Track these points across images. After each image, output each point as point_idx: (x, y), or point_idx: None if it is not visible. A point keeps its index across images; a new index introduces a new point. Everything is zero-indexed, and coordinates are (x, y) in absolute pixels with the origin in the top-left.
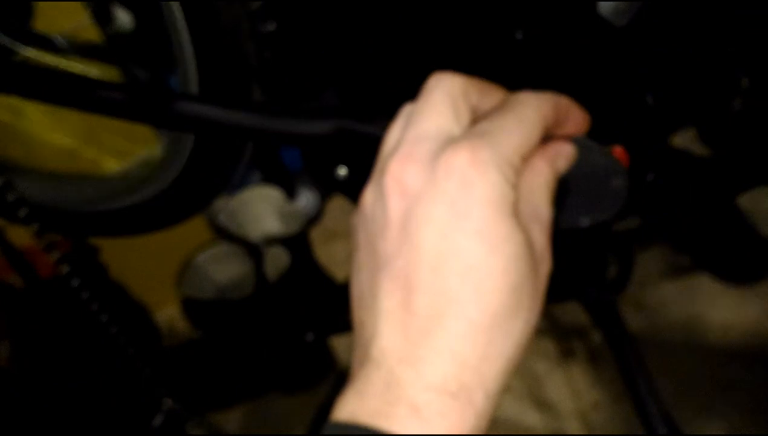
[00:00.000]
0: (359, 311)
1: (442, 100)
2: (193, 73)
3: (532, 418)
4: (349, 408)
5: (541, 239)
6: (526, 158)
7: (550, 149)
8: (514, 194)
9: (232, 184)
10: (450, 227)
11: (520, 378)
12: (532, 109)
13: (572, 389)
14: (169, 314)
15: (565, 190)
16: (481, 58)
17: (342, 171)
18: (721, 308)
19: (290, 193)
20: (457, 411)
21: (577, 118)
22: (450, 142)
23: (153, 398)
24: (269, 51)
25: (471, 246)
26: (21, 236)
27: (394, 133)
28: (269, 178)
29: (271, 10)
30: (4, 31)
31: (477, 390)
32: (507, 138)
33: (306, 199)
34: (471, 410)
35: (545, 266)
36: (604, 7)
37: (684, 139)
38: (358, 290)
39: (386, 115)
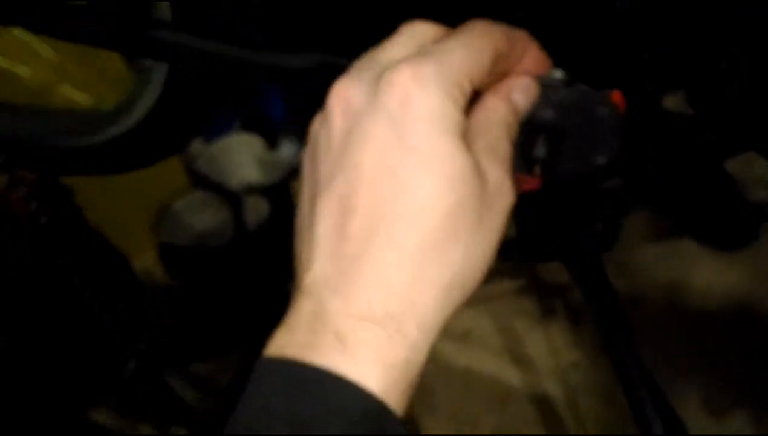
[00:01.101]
0: (298, 243)
1: (406, 39)
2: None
3: (509, 374)
4: (278, 342)
5: (497, 171)
6: (478, 87)
7: (504, 84)
8: (460, 115)
9: (211, 130)
10: (388, 145)
11: (499, 334)
12: (480, 34)
13: (551, 347)
14: (145, 261)
15: (562, 136)
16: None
17: None
18: (702, 272)
19: (272, 142)
20: (384, 340)
21: (535, 54)
22: (395, 62)
23: (130, 345)
24: None
25: (407, 163)
26: None
27: None
28: (249, 126)
29: None
30: None
31: (408, 320)
32: (451, 57)
33: (288, 149)
34: (401, 341)
35: (503, 200)
36: None
37: (672, 103)
38: (298, 222)
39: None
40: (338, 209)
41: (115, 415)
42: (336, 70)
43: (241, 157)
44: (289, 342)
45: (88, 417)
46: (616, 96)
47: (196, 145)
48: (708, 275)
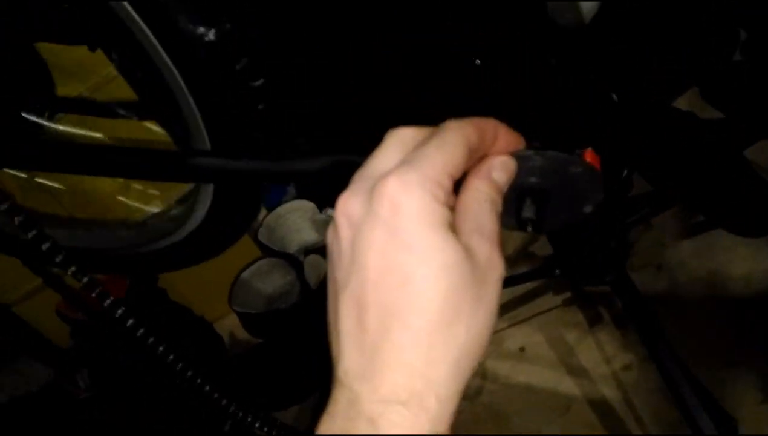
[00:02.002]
0: (330, 337)
1: (392, 146)
2: (202, 130)
3: (566, 384)
4: (321, 429)
5: (485, 248)
6: (458, 177)
7: (483, 166)
8: (444, 209)
9: (269, 198)
10: (387, 246)
11: (553, 348)
12: (453, 132)
13: (603, 353)
14: (229, 323)
15: (547, 196)
16: (444, 88)
17: None
18: (740, 262)
19: (321, 203)
20: (409, 419)
21: (506, 135)
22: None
23: (220, 406)
24: (261, 103)
25: (405, 259)
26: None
27: None
28: (302, 194)
29: (257, 67)
30: (30, 110)
31: (428, 396)
32: (430, 161)
33: None
34: (424, 416)
35: (494, 273)
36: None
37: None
38: (328, 320)
39: (369, 144)
40: (355, 306)
41: None
42: (349, 166)
43: (297, 223)
44: (329, 429)
45: None
46: (588, 155)
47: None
48: (746, 263)
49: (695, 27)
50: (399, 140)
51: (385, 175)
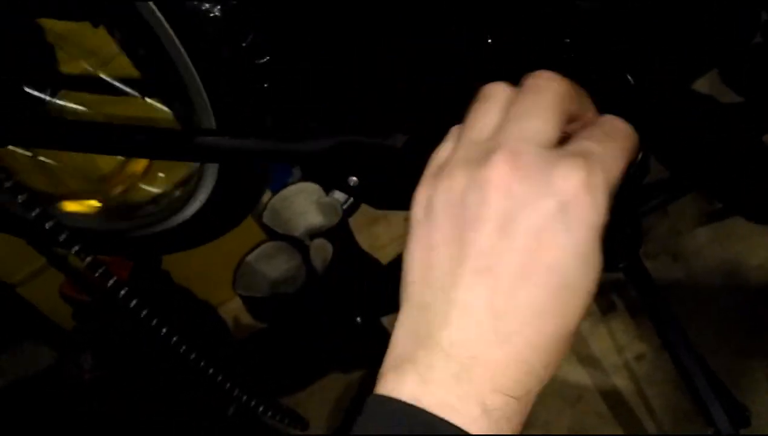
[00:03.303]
0: (425, 289)
1: (551, 105)
2: (208, 108)
3: (578, 374)
4: (408, 389)
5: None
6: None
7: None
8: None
9: (273, 180)
10: (553, 241)
11: None
12: (632, 140)
13: (615, 343)
14: (233, 308)
15: None
16: (456, 66)
17: (353, 181)
18: (757, 250)
19: (327, 186)
20: (519, 415)
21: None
22: (560, 155)
23: (224, 389)
24: (266, 81)
25: (569, 264)
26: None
27: (450, 141)
28: (309, 175)
29: (262, 44)
30: (33, 85)
31: (533, 393)
32: (615, 165)
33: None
34: (526, 412)
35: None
36: None
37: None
38: (426, 268)
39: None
40: (488, 285)
41: None
42: (355, 147)
43: (302, 205)
44: (424, 394)
45: None
46: None
47: (262, 200)
48: (763, 252)
49: (716, 8)
50: (557, 98)
51: (571, 163)
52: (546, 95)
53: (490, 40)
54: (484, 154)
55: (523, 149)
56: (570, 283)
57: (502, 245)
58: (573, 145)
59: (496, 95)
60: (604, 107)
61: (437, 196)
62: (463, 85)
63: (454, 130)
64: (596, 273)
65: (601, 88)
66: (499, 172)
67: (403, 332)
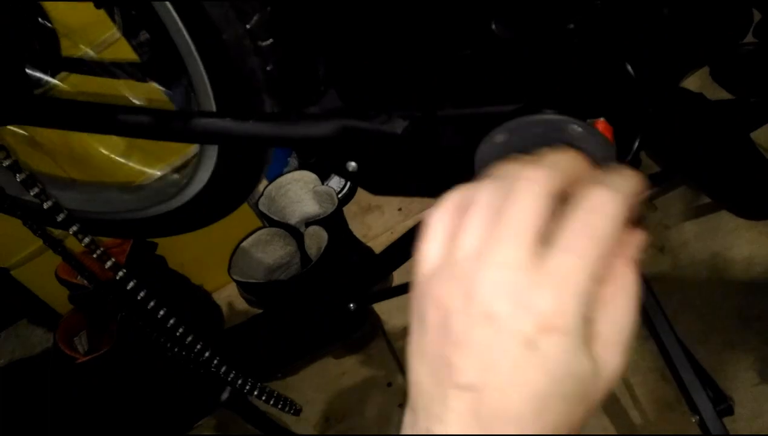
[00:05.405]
0: (426, 378)
1: (531, 216)
2: (209, 91)
3: None
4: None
5: (616, 359)
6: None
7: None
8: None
9: (270, 168)
10: (524, 361)
11: None
12: (616, 221)
13: None
14: (227, 294)
15: None
16: (460, 54)
17: (351, 166)
18: (742, 245)
19: (323, 175)
20: None
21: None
22: (538, 278)
23: (219, 373)
24: (271, 64)
25: (539, 379)
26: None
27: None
28: (305, 164)
29: (267, 26)
30: (33, 64)
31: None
32: (592, 273)
33: (338, 179)
34: None
35: (612, 383)
36: None
37: (695, 79)
38: (416, 347)
39: (376, 111)
40: (471, 399)
41: (216, 432)
42: (355, 132)
43: (298, 194)
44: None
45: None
46: (600, 124)
47: (258, 187)
48: (748, 247)
49: (710, 5)
50: (540, 198)
51: (552, 332)
52: (528, 201)
53: (494, 26)
54: (472, 274)
55: (508, 278)
56: (544, 394)
57: (484, 367)
58: (552, 261)
59: (480, 204)
60: (602, 97)
61: (428, 311)
62: (465, 73)
63: (439, 228)
64: (575, 382)
65: (601, 77)
66: (483, 298)
67: (409, 396)
